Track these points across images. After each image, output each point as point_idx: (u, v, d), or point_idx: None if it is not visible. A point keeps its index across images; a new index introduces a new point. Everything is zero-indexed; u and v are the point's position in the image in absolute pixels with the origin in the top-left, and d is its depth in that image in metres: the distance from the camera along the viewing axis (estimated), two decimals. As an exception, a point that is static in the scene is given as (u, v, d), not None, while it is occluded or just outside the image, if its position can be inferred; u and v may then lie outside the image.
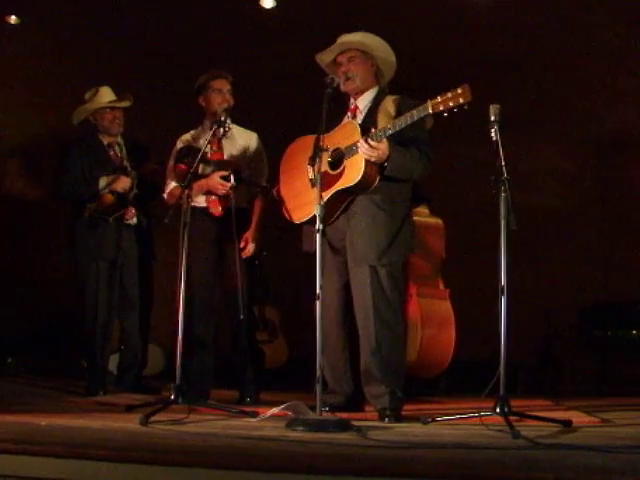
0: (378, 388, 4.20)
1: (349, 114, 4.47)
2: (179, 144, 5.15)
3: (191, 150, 4.88)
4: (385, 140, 4.08)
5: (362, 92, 4.46)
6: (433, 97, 3.95)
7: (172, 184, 5.07)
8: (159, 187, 5.34)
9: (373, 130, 4.12)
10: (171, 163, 5.08)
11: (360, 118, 4.40)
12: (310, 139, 4.31)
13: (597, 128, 7.29)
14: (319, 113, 4.15)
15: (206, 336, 4.96)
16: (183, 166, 4.79)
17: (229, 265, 4.89)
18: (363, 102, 4.46)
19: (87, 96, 5.61)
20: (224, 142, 5.08)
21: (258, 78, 7.10)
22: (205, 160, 4.85)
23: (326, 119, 4.09)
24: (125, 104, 5.61)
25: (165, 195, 5.13)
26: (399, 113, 4.22)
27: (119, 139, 5.63)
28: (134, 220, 5.51)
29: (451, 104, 3.89)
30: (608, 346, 6.82)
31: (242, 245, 4.96)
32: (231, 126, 5.07)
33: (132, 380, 5.54)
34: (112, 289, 5.45)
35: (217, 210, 4.95)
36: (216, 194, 4.92)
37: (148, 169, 5.48)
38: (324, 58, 4.53)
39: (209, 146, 4.81)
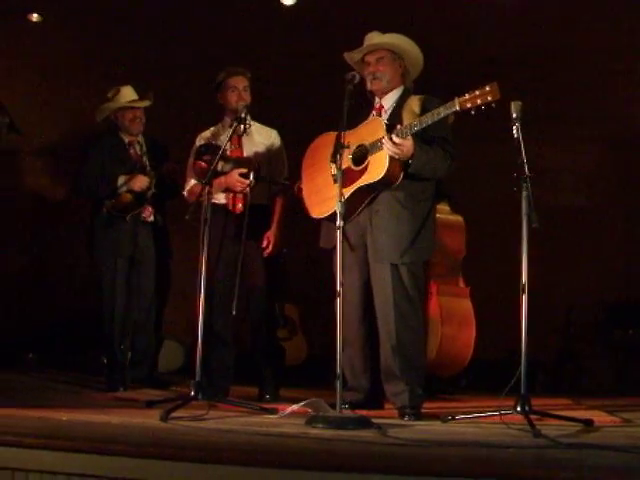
0: (398, 386, 4.19)
1: (374, 113, 4.46)
2: (199, 141, 5.16)
3: (211, 147, 4.89)
4: (410, 137, 4.06)
5: (388, 92, 4.45)
6: (461, 94, 3.93)
7: (192, 181, 5.08)
8: (178, 186, 5.35)
9: (398, 127, 4.10)
10: (191, 160, 5.09)
11: (385, 117, 4.38)
12: (333, 136, 4.29)
13: (620, 127, 7.23)
14: (341, 110, 4.16)
15: (225, 332, 4.97)
16: (203, 164, 4.79)
17: (247, 262, 4.90)
18: (388, 101, 4.45)
19: (109, 95, 5.64)
20: (244, 139, 5.08)
21: (278, 75, 7.11)
22: (225, 157, 4.85)
23: (351, 116, 4.09)
24: (145, 104, 5.63)
25: (185, 193, 5.14)
26: (424, 112, 4.19)
27: (140, 138, 5.64)
28: (151, 218, 5.52)
29: (479, 102, 3.87)
30: (629, 345, 6.77)
31: (264, 244, 4.97)
32: (251, 123, 5.07)
33: (144, 374, 5.57)
34: (129, 286, 5.49)
35: (236, 207, 4.96)
36: (235, 191, 4.93)
37: (167, 168, 5.50)
38: (353, 56, 4.53)
39: (229, 143, 4.81)
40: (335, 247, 3.96)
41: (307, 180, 4.56)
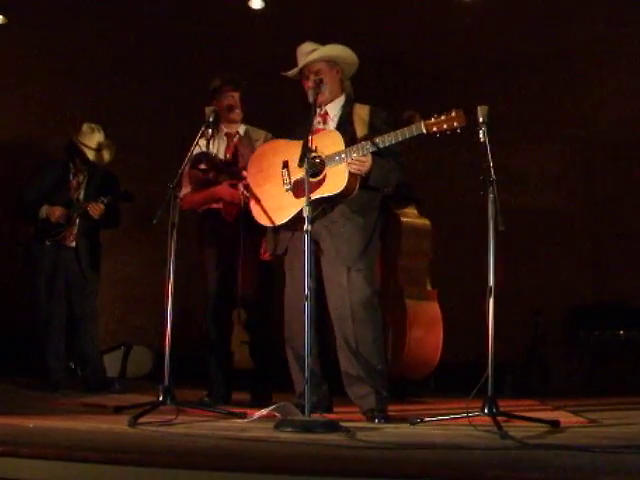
0: (362, 388, 4.20)
1: (319, 119, 4.43)
2: (197, 149, 5.12)
3: (207, 156, 4.93)
4: (369, 153, 4.12)
5: (332, 99, 4.45)
6: (427, 117, 3.99)
7: (187, 189, 5.06)
8: (116, 218, 5.82)
9: (362, 143, 4.13)
10: (187, 168, 5.07)
11: (332, 125, 4.40)
12: (281, 143, 4.41)
13: (585, 129, 7.31)
14: (302, 120, 4.22)
15: (222, 340, 5.03)
16: (198, 172, 4.93)
17: (242, 268, 4.96)
18: (333, 110, 4.46)
19: (84, 128, 5.81)
20: (239, 145, 5.12)
21: (245, 78, 7.09)
22: (219, 167, 4.93)
23: (296, 125, 4.22)
24: (105, 158, 5.80)
25: (178, 200, 5.08)
26: (372, 124, 4.28)
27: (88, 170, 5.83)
28: (73, 244, 5.72)
29: (445, 127, 3.95)
30: (595, 346, 6.84)
31: (262, 250, 5.00)
32: (241, 129, 5.16)
33: (92, 381, 5.73)
34: (54, 301, 5.72)
35: (230, 215, 4.97)
36: (228, 202, 4.97)
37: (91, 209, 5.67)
38: (291, 74, 4.53)
39: (227, 154, 4.97)
40: (284, 254, 4.33)
41: (253, 186, 4.48)
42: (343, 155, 4.11)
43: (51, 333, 5.70)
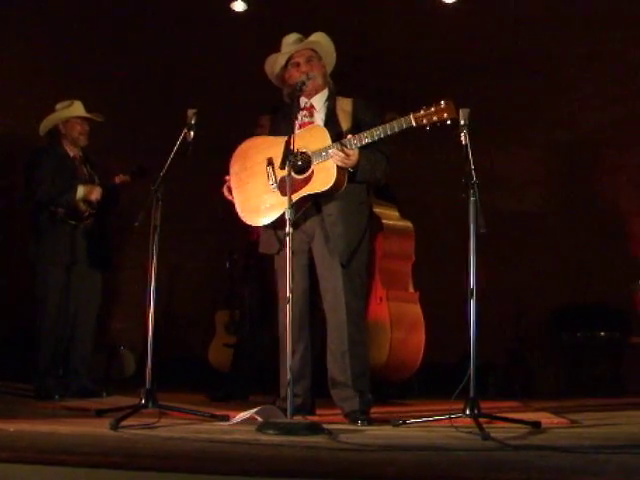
0: (347, 391, 4.19)
1: (305, 112, 4.38)
2: None
3: None
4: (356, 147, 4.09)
5: (316, 93, 4.40)
6: (416, 110, 3.96)
7: None
8: (118, 199, 5.60)
9: (349, 137, 4.10)
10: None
11: (319, 117, 4.35)
12: (261, 140, 4.37)
13: (567, 132, 7.36)
14: (285, 115, 4.22)
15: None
16: None
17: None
18: (319, 102, 4.40)
19: (59, 106, 5.69)
20: None
21: (228, 80, 7.10)
22: None
23: (280, 120, 4.23)
24: (99, 118, 5.70)
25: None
26: (355, 117, 4.23)
27: (80, 152, 5.70)
28: (91, 229, 5.56)
29: (434, 119, 3.91)
30: (577, 348, 6.88)
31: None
32: None
33: (78, 385, 5.52)
34: (67, 295, 5.49)
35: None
36: None
37: (121, 180, 5.59)
38: (278, 61, 4.46)
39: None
40: (277, 253, 4.22)
41: (238, 185, 4.40)
42: (330, 151, 4.08)
43: (54, 334, 5.43)
